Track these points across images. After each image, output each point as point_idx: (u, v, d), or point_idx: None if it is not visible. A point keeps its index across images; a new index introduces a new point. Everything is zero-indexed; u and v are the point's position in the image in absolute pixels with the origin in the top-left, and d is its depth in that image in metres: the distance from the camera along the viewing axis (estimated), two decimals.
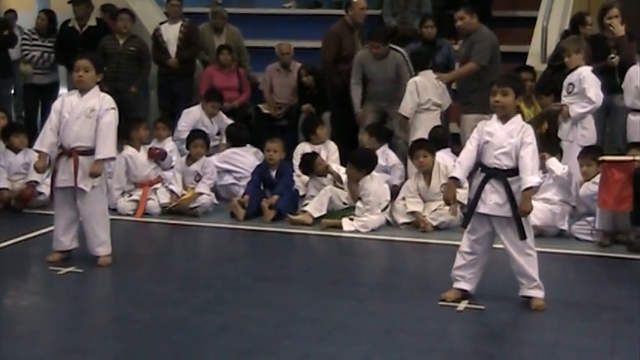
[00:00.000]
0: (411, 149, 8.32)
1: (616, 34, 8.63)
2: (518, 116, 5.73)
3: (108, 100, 6.61)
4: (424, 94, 9.01)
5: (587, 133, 8.12)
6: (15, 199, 8.41)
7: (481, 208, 5.64)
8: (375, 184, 8.04)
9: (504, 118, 5.65)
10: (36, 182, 8.32)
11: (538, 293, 5.69)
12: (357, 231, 7.74)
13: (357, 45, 9.90)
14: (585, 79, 8.05)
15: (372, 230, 7.79)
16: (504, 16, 11.16)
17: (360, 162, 8.13)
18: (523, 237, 5.57)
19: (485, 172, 5.65)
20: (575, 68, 8.14)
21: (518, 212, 5.52)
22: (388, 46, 9.41)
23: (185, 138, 8.99)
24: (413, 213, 7.92)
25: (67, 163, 6.53)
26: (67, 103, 6.60)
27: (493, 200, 5.59)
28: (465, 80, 9.08)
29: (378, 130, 9.14)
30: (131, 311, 5.66)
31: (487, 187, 5.61)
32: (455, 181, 5.76)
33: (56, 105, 6.64)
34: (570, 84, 8.17)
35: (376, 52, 9.34)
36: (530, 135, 5.58)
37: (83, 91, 6.58)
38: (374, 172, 8.15)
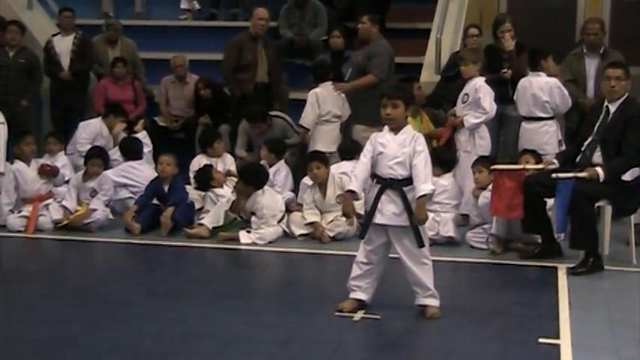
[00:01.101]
0: (305, 161, 8.34)
1: (506, 47, 8.87)
2: (409, 126, 5.83)
3: None
4: (324, 105, 9.06)
5: (483, 143, 8.30)
6: None
7: (378, 219, 5.69)
8: (268, 197, 8.05)
9: (396, 129, 5.72)
10: None
11: (433, 302, 5.77)
12: (254, 243, 7.73)
13: (259, 55, 9.88)
14: (480, 89, 8.23)
15: (270, 242, 7.79)
16: (399, 27, 11.30)
17: (249, 177, 8.12)
18: (421, 245, 5.64)
19: (380, 182, 5.71)
20: (470, 78, 8.32)
21: (414, 220, 5.59)
22: (269, 122, 9.44)
23: (84, 152, 8.85)
24: (311, 224, 7.95)
25: None
26: None
27: (390, 210, 5.65)
28: (357, 91, 9.12)
29: (277, 146, 9.12)
30: (22, 330, 5.52)
31: (383, 197, 5.67)
32: (352, 194, 5.81)
33: None
34: (465, 94, 8.34)
35: (259, 130, 9.40)
36: (421, 144, 5.67)
37: None
38: (265, 187, 8.14)
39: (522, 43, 9.06)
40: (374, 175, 5.75)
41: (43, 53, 10.54)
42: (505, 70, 8.88)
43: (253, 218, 7.92)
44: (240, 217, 8.10)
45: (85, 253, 7.81)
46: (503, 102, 8.69)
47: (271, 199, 8.09)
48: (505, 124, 9.10)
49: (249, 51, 9.85)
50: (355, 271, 5.85)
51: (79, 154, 9.13)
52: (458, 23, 10.43)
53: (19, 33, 10.28)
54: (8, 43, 10.18)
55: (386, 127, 5.79)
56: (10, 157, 7.96)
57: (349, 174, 7.87)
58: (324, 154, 8.42)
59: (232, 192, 8.33)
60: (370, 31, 9.22)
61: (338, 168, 8.40)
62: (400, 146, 5.66)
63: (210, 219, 8.03)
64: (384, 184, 5.68)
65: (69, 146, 9.48)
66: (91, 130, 9.56)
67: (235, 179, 8.55)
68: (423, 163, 5.61)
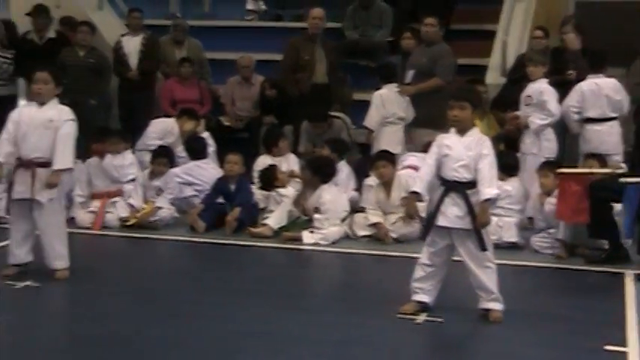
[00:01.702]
0: (372, 160, 8.32)
1: (569, 47, 8.75)
2: (476, 128, 5.77)
3: (67, 112, 6.55)
4: (389, 107, 9.03)
5: (549, 145, 8.22)
6: None
7: (441, 221, 5.65)
8: (333, 194, 8.06)
9: (462, 132, 5.67)
10: None
11: (496, 305, 5.71)
12: (317, 243, 7.73)
13: (317, 54, 9.89)
14: (545, 91, 8.15)
15: (333, 242, 7.78)
16: (464, 29, 11.23)
17: (317, 167, 8.15)
18: (484, 249, 5.58)
19: (444, 185, 5.67)
20: (535, 80, 8.23)
21: (477, 224, 5.54)
22: (329, 122, 9.47)
23: (152, 146, 9.03)
24: (374, 225, 7.93)
25: (24, 175, 6.45)
26: (25, 113, 6.55)
27: (453, 213, 5.61)
28: (421, 94, 9.06)
29: (339, 146, 9.07)
30: (85, 326, 5.60)
31: (447, 199, 5.63)
32: (416, 196, 5.78)
33: (13, 115, 6.58)
34: (528, 96, 8.26)
35: (320, 130, 9.44)
36: (487, 147, 5.61)
37: (42, 103, 6.52)
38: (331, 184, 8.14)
39: (587, 47, 8.94)
40: (439, 177, 5.71)
41: (112, 53, 10.68)
42: (570, 72, 8.75)
43: (316, 216, 7.92)
44: (303, 214, 8.10)
45: (149, 251, 7.89)
46: None
47: (336, 195, 8.10)
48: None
49: (306, 51, 9.88)
50: (418, 272, 5.81)
51: (147, 150, 9.22)
52: (524, 25, 10.32)
53: (89, 33, 10.42)
54: (79, 43, 10.34)
55: (452, 129, 5.74)
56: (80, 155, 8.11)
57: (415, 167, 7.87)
58: (392, 154, 8.39)
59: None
60: (437, 33, 9.17)
61: (403, 161, 8.37)
62: (466, 149, 5.61)
63: (274, 219, 8.05)
64: (448, 186, 5.64)
65: (138, 143, 9.60)
66: (161, 127, 9.69)
67: (298, 179, 8.58)
68: (488, 166, 5.55)
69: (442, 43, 9.21)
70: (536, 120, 8.13)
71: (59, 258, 6.59)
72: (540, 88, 8.18)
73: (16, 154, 6.49)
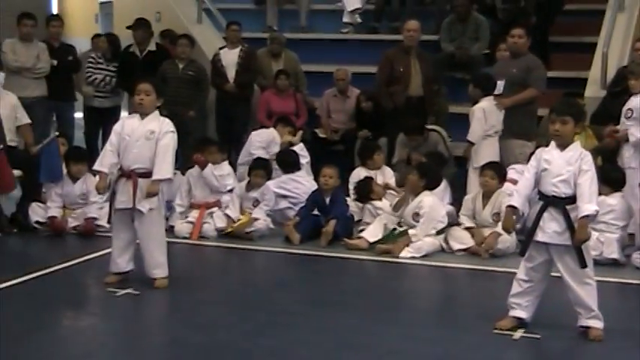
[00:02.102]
0: (482, 169, 8.29)
1: None
2: (577, 143, 5.67)
3: (167, 124, 6.69)
4: (490, 119, 8.91)
5: None
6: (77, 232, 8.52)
7: (539, 236, 5.57)
8: (433, 200, 8.07)
9: (562, 146, 5.59)
10: (94, 218, 8.47)
11: (596, 323, 5.60)
12: (412, 257, 7.71)
13: (412, 67, 9.87)
14: None
15: (426, 255, 7.76)
16: (564, 41, 11.09)
17: (427, 172, 8.19)
18: (584, 265, 5.49)
19: (543, 199, 5.59)
20: (637, 93, 8.05)
21: (575, 241, 5.44)
22: (425, 135, 9.42)
23: (257, 155, 9.24)
24: (469, 229, 7.99)
25: (126, 185, 6.62)
26: (128, 125, 6.70)
27: (552, 228, 5.53)
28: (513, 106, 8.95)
29: (436, 158, 9.05)
30: (185, 334, 5.69)
31: (545, 214, 5.55)
32: (513, 210, 5.71)
33: (117, 127, 6.75)
34: (629, 109, 8.05)
35: (416, 143, 9.37)
36: (588, 162, 5.51)
37: (143, 115, 6.68)
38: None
39: None
40: (537, 192, 5.63)
41: (211, 65, 10.86)
42: None
43: (411, 231, 7.91)
44: (399, 225, 8.09)
45: (246, 261, 7.98)
46: None
47: (436, 203, 8.11)
48: None
49: (401, 63, 9.84)
50: (515, 288, 5.75)
51: (251, 159, 9.33)
52: (626, 37, 10.12)
53: (188, 46, 10.60)
54: (178, 56, 10.54)
55: (552, 143, 5.66)
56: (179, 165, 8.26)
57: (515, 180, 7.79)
58: (501, 167, 8.38)
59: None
60: (525, 44, 9.10)
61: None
62: (566, 163, 5.52)
63: (370, 232, 8.07)
64: (547, 201, 5.56)
65: (240, 157, 9.73)
66: (265, 137, 9.81)
67: (394, 192, 8.56)
68: (588, 182, 5.45)
69: (531, 56, 9.14)
70: (637, 133, 7.95)
71: (159, 266, 6.72)
72: None
73: (118, 165, 6.66)
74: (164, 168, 6.58)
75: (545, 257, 5.63)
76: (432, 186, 8.18)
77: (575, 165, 5.49)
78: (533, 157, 5.74)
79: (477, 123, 8.87)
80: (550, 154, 5.62)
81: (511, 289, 5.76)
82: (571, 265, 5.54)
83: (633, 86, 8.10)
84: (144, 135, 6.59)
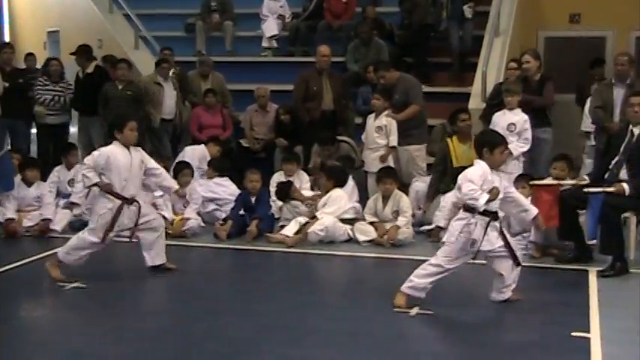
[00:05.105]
0: (379, 176, 8.40)
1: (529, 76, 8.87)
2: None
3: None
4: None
5: (522, 165, 8.38)
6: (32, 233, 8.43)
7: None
8: (340, 193, 8.34)
9: None
10: (49, 219, 8.42)
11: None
12: (320, 239, 7.91)
13: (325, 86, 10.01)
14: (527, 120, 8.24)
15: (332, 241, 7.95)
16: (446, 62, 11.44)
17: (331, 173, 8.50)
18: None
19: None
20: (513, 109, 8.31)
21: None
22: (337, 146, 9.53)
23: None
24: (372, 223, 8.13)
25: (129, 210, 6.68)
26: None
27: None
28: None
29: (347, 162, 9.20)
30: (130, 321, 5.72)
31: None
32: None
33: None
34: (512, 124, 8.27)
35: (328, 153, 9.46)
36: None
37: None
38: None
39: (546, 74, 9.10)
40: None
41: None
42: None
43: (318, 213, 8.17)
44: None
45: (182, 256, 7.85)
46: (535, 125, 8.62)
47: (341, 194, 8.38)
48: (535, 145, 8.69)
49: (315, 83, 9.99)
50: (422, 271, 5.85)
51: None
52: (501, 57, 10.43)
53: (127, 69, 10.54)
54: (119, 78, 10.48)
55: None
56: None
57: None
58: (395, 171, 8.58)
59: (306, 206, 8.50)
60: (392, 76, 9.26)
61: None
62: None
63: (289, 228, 8.17)
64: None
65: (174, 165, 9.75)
66: (198, 153, 9.85)
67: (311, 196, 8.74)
68: None
69: (404, 77, 9.35)
70: (518, 148, 8.21)
71: None
72: (524, 118, 8.26)
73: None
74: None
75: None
76: (339, 184, 8.37)
77: None
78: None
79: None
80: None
81: (417, 272, 5.84)
82: None
83: (510, 102, 8.34)
84: (138, 165, 6.67)
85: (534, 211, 5.98)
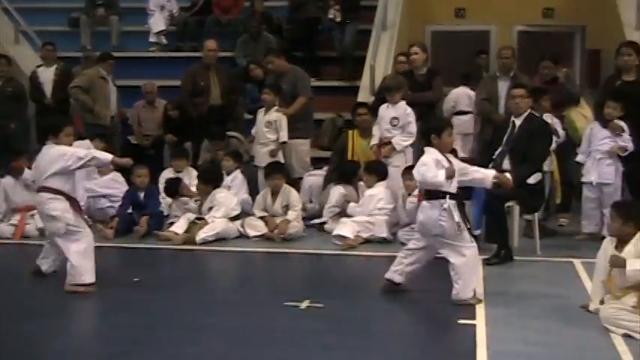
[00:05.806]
0: (267, 171, 8.36)
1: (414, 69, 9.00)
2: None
3: None
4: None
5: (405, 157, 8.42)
6: None
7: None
8: (225, 194, 8.25)
9: None
10: None
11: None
12: (209, 242, 7.79)
13: (212, 81, 9.89)
14: (410, 113, 8.23)
15: (223, 239, 7.87)
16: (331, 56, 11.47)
17: (205, 177, 8.32)
18: None
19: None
20: (396, 103, 8.35)
21: None
22: (227, 141, 9.51)
23: None
24: (262, 218, 8.08)
25: None
26: None
27: None
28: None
29: (236, 156, 9.10)
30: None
31: None
32: None
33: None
34: (395, 118, 8.30)
35: (218, 148, 9.40)
36: None
37: None
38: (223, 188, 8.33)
39: (434, 68, 9.27)
40: None
41: (29, 82, 10.46)
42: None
43: (207, 216, 8.03)
44: (198, 219, 8.12)
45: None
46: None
47: (227, 195, 8.29)
48: None
49: (203, 78, 9.87)
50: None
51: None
52: (389, 52, 10.53)
53: (6, 65, 10.21)
54: None
55: None
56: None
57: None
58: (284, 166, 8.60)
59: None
60: (282, 64, 9.27)
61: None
62: None
63: (178, 225, 8.07)
64: None
65: None
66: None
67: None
68: None
69: (294, 69, 9.40)
70: (401, 142, 8.24)
71: None
72: (406, 111, 8.22)
73: None
74: None
75: None
76: (216, 184, 8.31)
77: None
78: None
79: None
80: None
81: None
82: None
83: (393, 99, 8.32)
84: None
85: (490, 173, 6.03)
